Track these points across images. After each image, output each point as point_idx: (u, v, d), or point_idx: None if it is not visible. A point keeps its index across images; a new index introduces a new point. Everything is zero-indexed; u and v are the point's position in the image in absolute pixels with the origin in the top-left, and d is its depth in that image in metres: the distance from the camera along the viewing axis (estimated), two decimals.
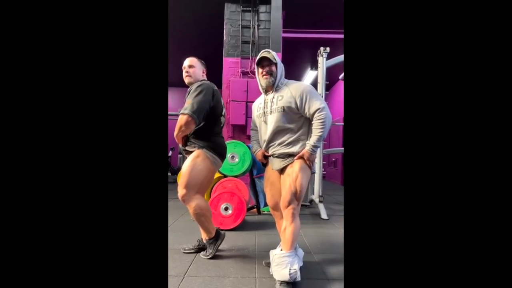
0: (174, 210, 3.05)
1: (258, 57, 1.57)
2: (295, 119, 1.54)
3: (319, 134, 1.47)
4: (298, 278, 1.40)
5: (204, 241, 1.81)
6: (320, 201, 3.07)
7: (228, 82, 3.48)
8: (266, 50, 1.58)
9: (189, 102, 1.60)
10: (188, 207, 1.68)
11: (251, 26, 3.53)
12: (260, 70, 1.58)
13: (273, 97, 1.56)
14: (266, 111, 1.58)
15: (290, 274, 1.37)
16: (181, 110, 1.61)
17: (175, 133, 1.64)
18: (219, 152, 1.75)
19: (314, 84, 2.75)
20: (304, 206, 3.38)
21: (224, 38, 3.56)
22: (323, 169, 3.43)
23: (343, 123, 5.21)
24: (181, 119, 1.59)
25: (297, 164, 1.49)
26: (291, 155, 1.51)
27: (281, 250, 1.47)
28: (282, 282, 1.39)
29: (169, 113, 3.69)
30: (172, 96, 7.60)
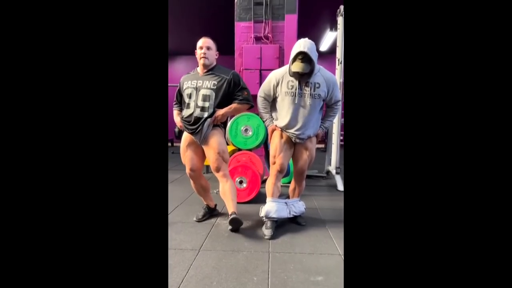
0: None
1: (297, 51, 1.64)
2: (321, 105, 1.81)
3: (332, 119, 1.92)
4: (272, 215, 1.80)
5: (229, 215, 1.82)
6: (337, 173, 3.01)
7: (241, 49, 3.30)
8: (303, 42, 1.64)
9: (246, 94, 1.82)
10: (229, 182, 1.83)
11: None
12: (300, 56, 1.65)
13: (310, 83, 1.72)
14: (301, 93, 1.73)
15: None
16: (242, 99, 1.80)
17: (226, 112, 1.79)
18: (225, 128, 1.97)
19: (333, 48, 2.54)
20: (321, 177, 3.35)
21: (236, 0, 3.30)
22: (341, 138, 3.33)
23: None
24: (245, 107, 1.85)
25: (314, 141, 1.87)
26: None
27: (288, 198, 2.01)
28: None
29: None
30: (184, 66, 7.45)
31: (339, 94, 1.83)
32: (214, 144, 1.77)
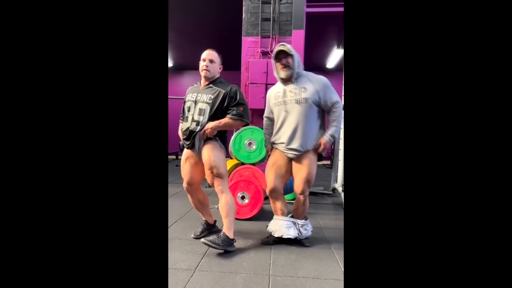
0: None
1: (274, 52, 1.65)
2: (317, 114, 1.66)
3: (338, 125, 1.65)
4: (274, 234, 1.76)
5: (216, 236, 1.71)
6: (343, 190, 2.89)
7: (247, 64, 3.30)
8: (281, 44, 1.65)
9: (242, 109, 1.68)
10: (223, 196, 1.69)
11: (272, 1, 3.26)
12: (278, 64, 1.66)
13: (295, 88, 1.64)
14: (286, 100, 1.66)
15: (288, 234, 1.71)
16: (235, 114, 1.66)
17: (216, 126, 1.66)
18: (225, 142, 1.83)
19: (340, 65, 2.51)
20: (327, 195, 3.22)
21: (243, 16, 3.34)
22: None
23: None
24: (237, 124, 1.70)
25: (311, 157, 1.67)
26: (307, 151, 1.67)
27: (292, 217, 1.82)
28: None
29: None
30: (192, 80, 7.55)
31: (334, 96, 1.66)
32: (205, 158, 1.69)
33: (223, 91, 1.69)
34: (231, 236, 1.66)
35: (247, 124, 1.73)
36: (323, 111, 1.71)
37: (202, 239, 1.63)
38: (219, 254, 1.63)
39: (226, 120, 1.67)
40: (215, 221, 2.00)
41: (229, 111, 1.68)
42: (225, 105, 1.68)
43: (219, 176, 1.69)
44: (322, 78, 1.68)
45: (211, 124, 1.66)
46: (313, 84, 1.63)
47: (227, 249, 1.63)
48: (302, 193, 1.72)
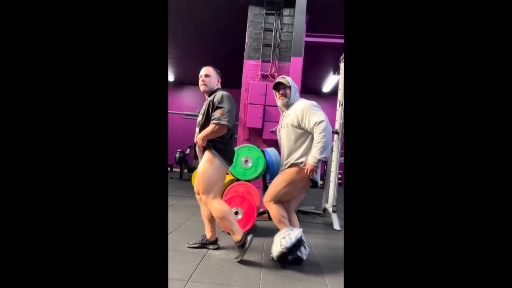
0: (187, 209, 3.09)
1: (274, 83, 1.87)
2: (299, 135, 1.74)
3: (319, 145, 1.63)
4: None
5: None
6: (333, 211, 2.98)
7: (247, 85, 3.47)
8: (282, 76, 1.87)
9: (220, 112, 1.69)
10: (210, 210, 1.80)
11: (273, 30, 3.50)
12: (277, 93, 1.86)
13: (284, 115, 1.86)
14: (279, 128, 1.89)
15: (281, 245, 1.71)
16: (213, 119, 1.70)
17: (203, 136, 1.71)
18: (228, 156, 1.84)
19: (335, 90, 2.68)
20: (317, 215, 3.31)
21: (246, 41, 3.55)
22: (339, 177, 3.34)
23: None
24: (219, 128, 1.68)
25: (288, 171, 1.77)
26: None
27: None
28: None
29: (186, 112, 3.76)
30: (191, 95, 7.73)
31: (315, 117, 1.67)
32: (198, 169, 1.83)
33: (209, 100, 1.78)
34: (238, 239, 1.74)
35: (228, 128, 1.71)
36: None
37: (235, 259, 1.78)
38: (212, 266, 1.69)
39: (206, 129, 1.72)
40: (217, 239, 2.00)
41: (211, 118, 1.73)
42: (210, 112, 1.76)
43: (201, 191, 1.79)
44: (303, 103, 1.74)
45: (199, 135, 1.75)
46: (294, 110, 1.77)
47: (245, 249, 1.74)
48: (266, 202, 1.84)
